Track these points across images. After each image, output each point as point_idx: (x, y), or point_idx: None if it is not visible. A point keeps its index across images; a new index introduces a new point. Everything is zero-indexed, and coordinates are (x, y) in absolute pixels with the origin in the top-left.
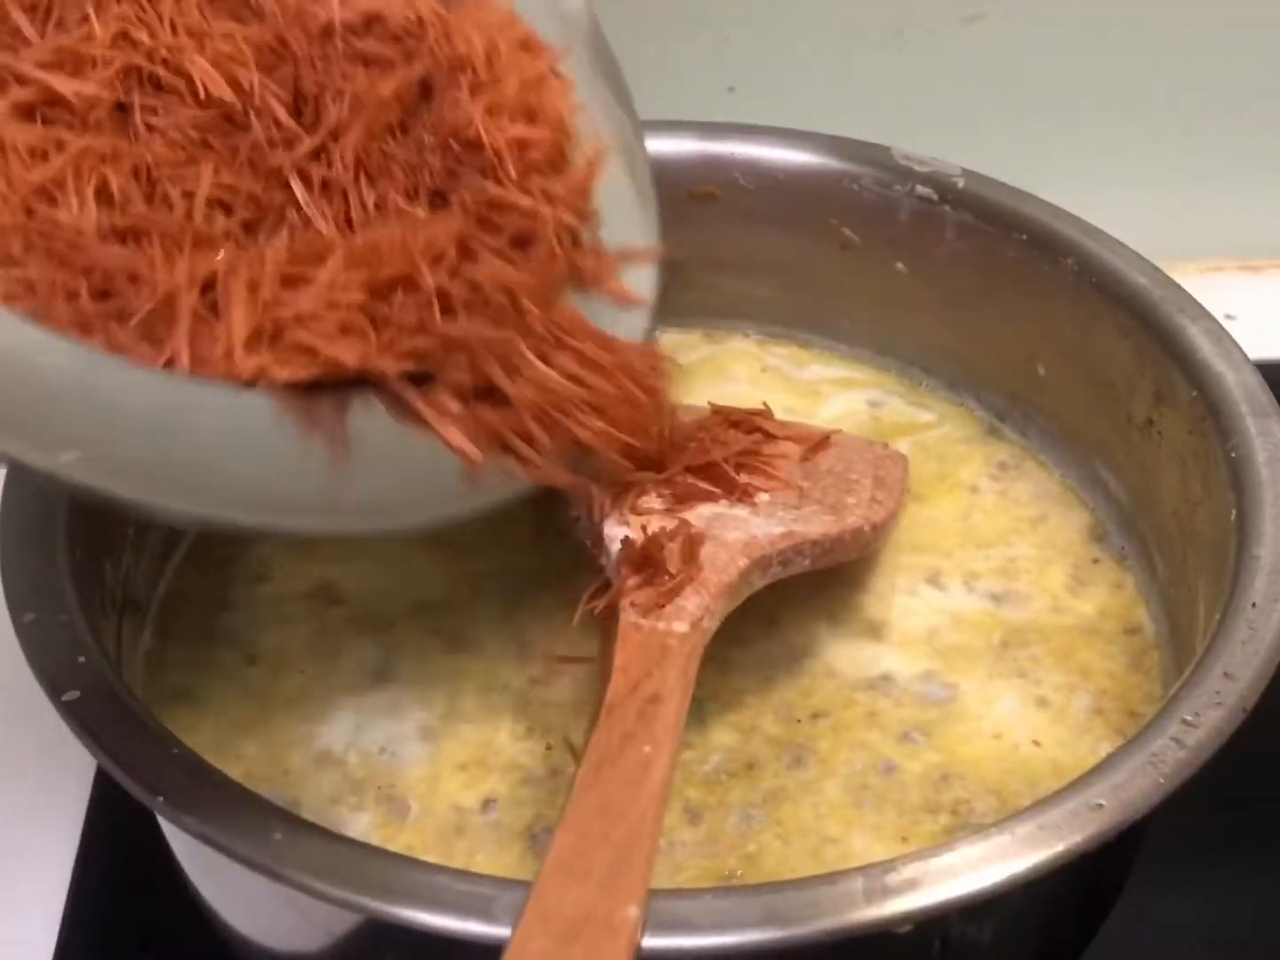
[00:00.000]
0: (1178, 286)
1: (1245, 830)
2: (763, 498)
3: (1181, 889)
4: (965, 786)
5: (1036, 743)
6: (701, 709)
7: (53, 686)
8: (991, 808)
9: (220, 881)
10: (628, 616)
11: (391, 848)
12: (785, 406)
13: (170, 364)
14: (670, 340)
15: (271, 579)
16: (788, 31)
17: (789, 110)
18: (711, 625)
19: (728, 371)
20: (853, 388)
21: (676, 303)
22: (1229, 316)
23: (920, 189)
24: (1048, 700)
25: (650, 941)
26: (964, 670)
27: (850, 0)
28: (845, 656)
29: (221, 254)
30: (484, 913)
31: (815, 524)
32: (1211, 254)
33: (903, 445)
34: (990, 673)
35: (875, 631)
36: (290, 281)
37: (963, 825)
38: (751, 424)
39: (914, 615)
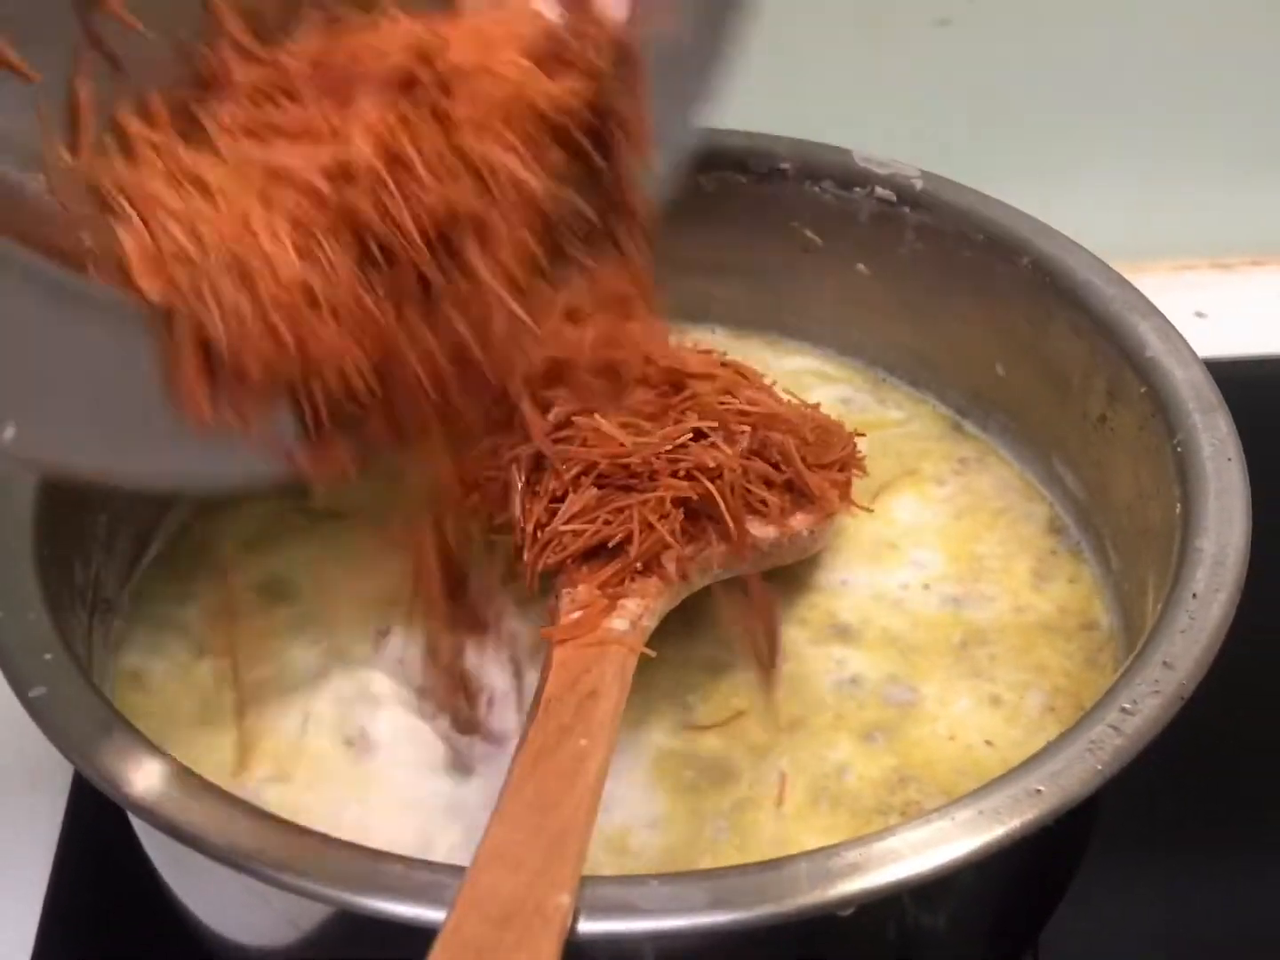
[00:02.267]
0: (1130, 285)
1: (1198, 813)
2: None
3: (1136, 871)
4: (919, 788)
5: (989, 743)
6: (692, 712)
7: (19, 683)
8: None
9: (189, 875)
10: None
11: None
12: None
13: None
14: None
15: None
16: (758, 34)
17: (760, 112)
18: (651, 623)
19: None
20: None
21: None
22: (1199, 314)
23: (880, 191)
24: (1001, 699)
25: (598, 926)
26: (925, 671)
27: (821, 4)
28: (818, 661)
29: None
30: (441, 900)
31: (756, 527)
32: (1182, 252)
33: (865, 441)
34: (950, 673)
35: (844, 636)
36: None
37: None
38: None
39: (880, 617)
